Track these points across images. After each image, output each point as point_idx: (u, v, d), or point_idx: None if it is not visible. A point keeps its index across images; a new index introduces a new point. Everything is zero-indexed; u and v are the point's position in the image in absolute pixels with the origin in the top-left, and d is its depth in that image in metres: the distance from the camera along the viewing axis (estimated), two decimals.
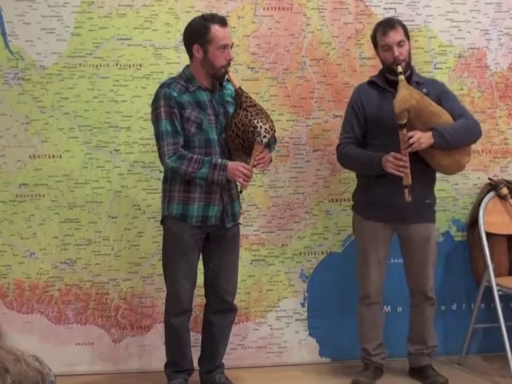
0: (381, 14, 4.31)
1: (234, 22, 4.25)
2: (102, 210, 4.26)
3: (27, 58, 4.15)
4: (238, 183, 3.76)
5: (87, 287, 4.29)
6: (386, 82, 3.96)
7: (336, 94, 4.35)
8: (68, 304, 4.29)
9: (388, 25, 3.89)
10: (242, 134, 3.63)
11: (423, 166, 3.90)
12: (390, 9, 4.36)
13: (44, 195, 4.22)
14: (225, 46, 3.62)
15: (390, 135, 3.81)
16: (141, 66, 4.22)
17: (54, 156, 4.22)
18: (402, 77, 3.79)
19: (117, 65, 4.21)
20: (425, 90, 3.92)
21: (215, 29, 3.60)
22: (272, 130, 3.66)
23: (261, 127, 3.60)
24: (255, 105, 3.70)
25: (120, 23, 4.19)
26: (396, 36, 3.85)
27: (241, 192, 3.79)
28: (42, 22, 4.14)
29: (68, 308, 4.29)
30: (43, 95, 4.18)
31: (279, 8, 4.30)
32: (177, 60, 4.16)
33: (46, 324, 4.28)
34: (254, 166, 3.70)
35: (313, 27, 4.33)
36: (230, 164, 3.63)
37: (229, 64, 3.67)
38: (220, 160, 3.64)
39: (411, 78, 3.93)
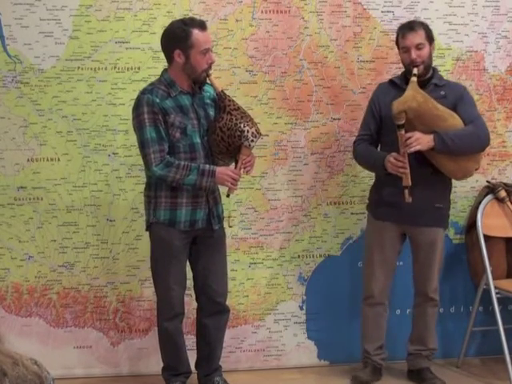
0: (379, 17, 4.32)
1: (231, 25, 4.25)
2: (100, 213, 4.26)
3: (25, 62, 4.15)
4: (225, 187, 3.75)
5: (85, 290, 4.29)
6: (405, 82, 3.96)
7: (334, 96, 4.35)
8: (66, 307, 4.29)
9: (408, 27, 3.92)
10: (227, 138, 3.61)
11: (433, 169, 3.90)
12: (388, 12, 4.36)
13: (42, 198, 4.22)
14: (206, 50, 3.60)
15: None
16: (139, 69, 4.22)
17: (52, 159, 4.22)
18: (414, 78, 3.82)
19: (115, 68, 4.21)
20: (442, 93, 3.93)
21: (196, 33, 3.56)
22: (259, 133, 3.66)
23: (248, 131, 3.59)
24: (239, 108, 3.68)
25: (118, 26, 4.19)
26: (414, 39, 3.87)
27: (228, 196, 3.76)
28: (41, 25, 4.13)
29: (66, 311, 4.29)
30: (41, 98, 4.18)
31: (277, 11, 4.30)
32: None
33: (44, 327, 4.28)
34: (246, 172, 3.71)
35: (311, 30, 4.33)
36: (219, 169, 3.62)
37: (210, 67, 3.65)
38: (208, 166, 3.62)
39: (431, 79, 3.95)
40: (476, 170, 4.05)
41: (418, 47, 3.87)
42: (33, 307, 4.27)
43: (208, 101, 3.76)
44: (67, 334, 4.30)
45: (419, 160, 3.82)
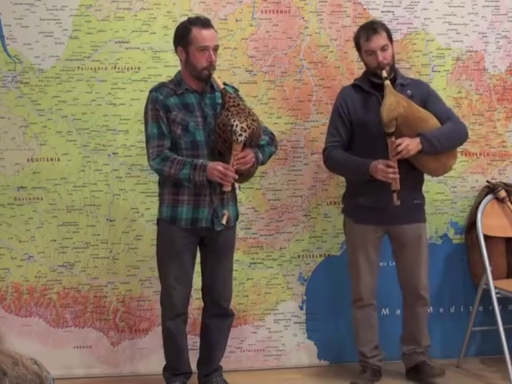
0: (379, 17, 4.31)
1: (231, 25, 4.25)
2: (100, 213, 4.26)
3: (25, 62, 4.15)
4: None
5: (85, 290, 4.29)
6: (370, 84, 3.96)
7: (334, 96, 4.33)
8: (66, 307, 4.29)
9: (371, 29, 3.89)
10: (223, 134, 3.60)
11: (409, 168, 3.91)
12: (388, 12, 4.37)
13: (42, 198, 4.22)
14: (205, 48, 3.61)
15: (375, 140, 3.83)
16: (139, 69, 4.22)
17: (52, 159, 4.22)
18: (387, 82, 3.81)
19: (115, 68, 4.21)
20: (409, 92, 3.94)
21: (195, 30, 3.61)
22: (250, 128, 3.58)
23: (237, 126, 3.55)
24: (238, 104, 3.65)
25: (118, 26, 4.19)
26: (379, 41, 3.85)
27: (224, 193, 3.71)
28: (41, 25, 4.14)
29: (66, 311, 4.29)
30: (41, 98, 4.18)
31: (277, 11, 4.30)
32: (175, 63, 4.14)
33: (44, 327, 4.28)
34: (236, 167, 3.64)
35: (311, 30, 4.33)
36: (210, 164, 3.61)
37: (211, 65, 3.65)
38: (201, 161, 3.63)
39: (395, 80, 3.94)
40: (454, 163, 4.06)
41: (383, 49, 3.86)
42: (33, 307, 4.27)
43: (221, 100, 3.76)
44: (67, 334, 4.29)
45: (398, 161, 3.82)
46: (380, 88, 3.85)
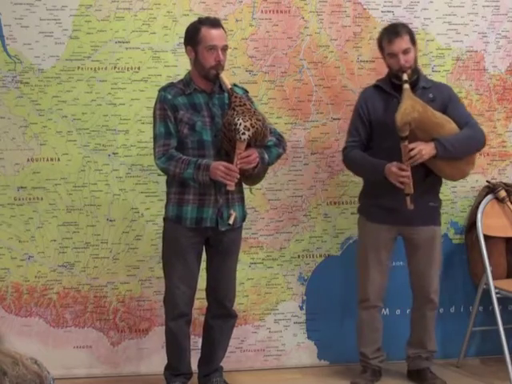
0: (379, 17, 4.32)
1: (231, 25, 4.25)
2: (100, 213, 4.26)
3: (25, 62, 4.15)
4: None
5: (85, 290, 4.29)
6: (391, 86, 3.96)
7: (334, 96, 4.35)
8: (66, 307, 4.29)
9: (393, 32, 3.87)
10: (227, 133, 3.60)
11: (426, 170, 3.90)
12: (388, 12, 4.37)
13: (42, 198, 4.22)
14: (213, 47, 3.62)
15: (395, 141, 3.80)
16: (139, 69, 4.22)
17: (52, 159, 4.22)
18: (406, 85, 3.79)
19: (115, 68, 4.21)
20: (431, 96, 3.92)
21: (204, 30, 3.63)
22: (253, 127, 3.57)
23: (240, 124, 3.55)
24: (244, 104, 3.65)
25: (118, 26, 4.19)
26: (401, 44, 3.84)
27: (229, 192, 3.70)
28: (40, 25, 4.14)
29: (66, 311, 4.29)
30: (41, 98, 4.18)
31: (277, 11, 4.30)
32: (175, 63, 4.16)
33: (44, 327, 4.27)
34: (240, 167, 3.62)
35: (311, 30, 4.33)
36: (213, 164, 3.61)
37: (219, 65, 3.66)
38: (205, 160, 3.63)
39: (418, 83, 3.94)
40: (471, 169, 4.06)
41: (405, 52, 3.85)
42: (33, 307, 4.27)
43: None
44: (67, 334, 4.30)
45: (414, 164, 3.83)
46: (401, 89, 3.83)
